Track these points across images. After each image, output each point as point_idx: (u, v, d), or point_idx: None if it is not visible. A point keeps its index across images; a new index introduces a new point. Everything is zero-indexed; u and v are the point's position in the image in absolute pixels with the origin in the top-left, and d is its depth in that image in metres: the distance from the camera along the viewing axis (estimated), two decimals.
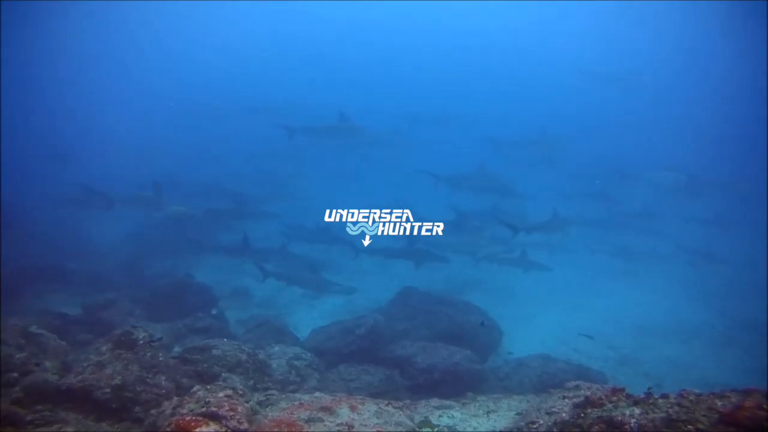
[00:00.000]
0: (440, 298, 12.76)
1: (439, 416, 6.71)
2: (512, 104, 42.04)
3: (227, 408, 5.34)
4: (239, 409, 5.41)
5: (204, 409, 5.30)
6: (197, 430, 4.92)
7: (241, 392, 6.07)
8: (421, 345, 10.65)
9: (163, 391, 6.78)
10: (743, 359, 13.26)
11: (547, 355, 11.35)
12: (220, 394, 5.65)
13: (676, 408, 4.23)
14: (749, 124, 34.46)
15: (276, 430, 5.43)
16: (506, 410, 6.88)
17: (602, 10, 44.07)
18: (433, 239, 15.89)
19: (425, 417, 6.68)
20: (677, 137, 34.82)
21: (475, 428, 6.27)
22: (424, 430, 6.24)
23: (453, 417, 6.68)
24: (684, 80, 40.70)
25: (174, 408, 5.67)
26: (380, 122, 25.74)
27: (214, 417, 5.19)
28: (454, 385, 9.60)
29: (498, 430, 6.03)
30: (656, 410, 4.37)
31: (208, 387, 5.97)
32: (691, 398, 4.36)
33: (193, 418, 5.10)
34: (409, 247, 15.45)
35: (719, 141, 35.36)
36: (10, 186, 20.80)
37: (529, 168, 23.87)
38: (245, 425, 5.27)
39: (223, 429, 5.05)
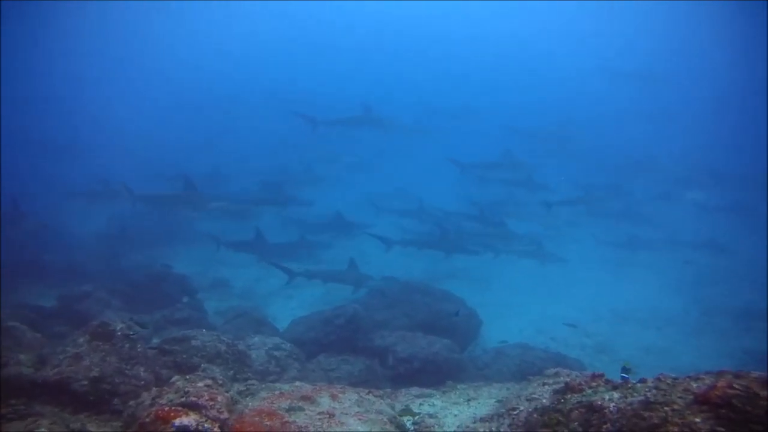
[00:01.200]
0: (419, 288, 12.81)
1: (420, 404, 6.74)
2: (529, 97, 42.47)
3: (207, 398, 5.30)
4: (219, 398, 5.37)
5: (183, 399, 5.25)
6: (177, 420, 4.87)
7: (221, 382, 6.02)
8: (400, 334, 10.70)
9: (142, 382, 6.72)
10: (717, 344, 13.53)
11: (525, 344, 11.50)
12: (200, 384, 5.60)
13: (654, 391, 4.28)
14: (751, 119, 35.10)
15: (257, 419, 5.40)
16: (486, 398, 6.93)
17: (616, 9, 44.60)
18: (459, 231, 16.29)
19: (406, 405, 6.71)
20: (685, 130, 35.43)
21: (455, 416, 6.30)
22: (404, 418, 6.26)
23: (434, 405, 6.71)
24: (687, 77, 41.47)
25: (153, 399, 5.61)
26: (402, 114, 26.24)
27: (193, 407, 5.15)
28: (433, 375, 9.66)
29: (479, 416, 6.06)
30: (635, 394, 4.42)
31: (188, 377, 5.92)
32: (668, 382, 4.42)
33: (173, 408, 5.05)
34: (441, 238, 15.72)
35: (723, 135, 36.01)
36: (15, 179, 20.58)
37: (546, 159, 24.23)
38: (225, 414, 5.24)
39: (203, 419, 5.00)
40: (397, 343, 10.40)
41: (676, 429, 3.62)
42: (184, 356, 8.04)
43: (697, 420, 3.61)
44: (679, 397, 4.02)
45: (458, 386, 7.74)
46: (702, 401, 3.77)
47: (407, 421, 6.16)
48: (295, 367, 9.62)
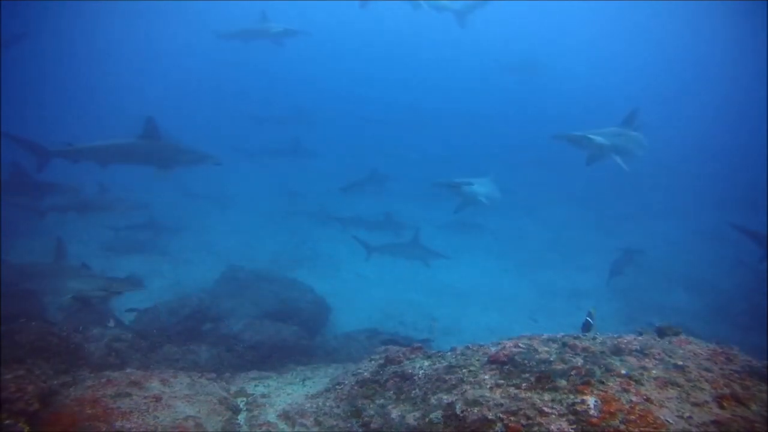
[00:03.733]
0: (266, 276, 12.81)
1: (255, 386, 6.78)
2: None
3: (12, 390, 4.99)
4: (29, 389, 5.08)
5: None
6: None
7: (37, 373, 5.71)
8: (247, 322, 10.65)
9: None
10: (552, 322, 14.59)
11: (374, 329, 11.80)
12: (8, 377, 5.27)
13: (459, 357, 4.64)
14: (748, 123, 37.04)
15: (77, 408, 5.19)
16: (322, 377, 7.09)
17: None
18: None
19: (241, 387, 6.73)
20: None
21: (289, 394, 6.40)
22: (238, 399, 6.28)
23: (268, 386, 6.77)
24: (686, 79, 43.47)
25: None
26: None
27: None
28: (282, 361, 9.69)
29: (311, 394, 6.20)
30: (442, 361, 4.76)
31: None
32: (474, 348, 4.81)
33: None
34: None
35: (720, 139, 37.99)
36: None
37: None
38: (35, 406, 4.97)
39: (5, 414, 4.70)
40: (245, 331, 10.34)
41: (469, 387, 3.94)
42: (5, 352, 7.54)
43: (486, 377, 3.96)
44: (477, 360, 4.39)
45: (298, 368, 7.86)
46: (492, 360, 4.14)
47: (240, 402, 6.18)
48: (137, 359, 9.22)
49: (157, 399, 5.50)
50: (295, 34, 20.16)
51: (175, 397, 5.63)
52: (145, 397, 5.48)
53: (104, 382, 5.87)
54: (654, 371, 3.56)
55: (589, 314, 5.37)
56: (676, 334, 4.38)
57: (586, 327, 5.24)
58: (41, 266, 9.96)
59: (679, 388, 3.33)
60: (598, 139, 11.39)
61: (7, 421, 4.62)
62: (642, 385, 3.40)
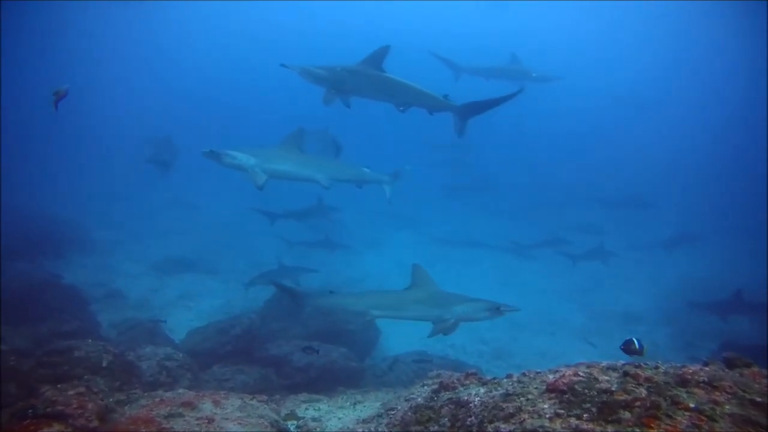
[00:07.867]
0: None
1: (306, 409, 6.76)
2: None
3: (75, 406, 5.09)
4: (89, 406, 5.17)
5: (49, 410, 5.01)
6: None
7: (96, 390, 5.80)
8: (296, 344, 10.63)
9: (11, 399, 6.33)
10: (605, 346, 14.17)
11: (423, 352, 11.66)
12: (70, 393, 5.38)
13: (515, 384, 4.50)
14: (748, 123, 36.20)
15: (132, 427, 5.24)
16: (373, 401, 7.03)
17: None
18: None
19: (291, 410, 6.72)
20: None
21: (339, 419, 6.35)
22: (289, 422, 6.26)
23: (319, 409, 6.74)
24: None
25: (13, 414, 5.31)
26: None
27: (59, 417, 4.92)
28: (331, 383, 9.63)
29: (362, 419, 6.13)
30: (498, 388, 4.61)
31: (59, 386, 5.67)
32: (531, 375, 4.65)
33: (33, 420, 4.79)
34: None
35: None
36: None
37: None
38: (95, 423, 5.05)
39: (69, 429, 4.79)
40: (294, 353, 10.33)
41: (527, 416, 3.80)
42: (66, 368, 7.62)
43: (545, 406, 3.81)
44: (535, 388, 4.24)
45: (348, 391, 7.81)
46: (551, 389, 3.99)
47: (291, 425, 6.16)
48: (187, 378, 9.35)
49: (210, 420, 5.50)
50: (549, 80, 20.95)
51: (227, 419, 5.63)
52: (198, 418, 5.50)
53: (157, 401, 5.94)
54: (727, 406, 3.36)
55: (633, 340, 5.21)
56: (748, 365, 4.14)
57: (633, 350, 5.08)
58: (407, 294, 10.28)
59: (762, 430, 3.13)
60: (316, 71, 9.79)
61: None
62: (715, 421, 3.21)
